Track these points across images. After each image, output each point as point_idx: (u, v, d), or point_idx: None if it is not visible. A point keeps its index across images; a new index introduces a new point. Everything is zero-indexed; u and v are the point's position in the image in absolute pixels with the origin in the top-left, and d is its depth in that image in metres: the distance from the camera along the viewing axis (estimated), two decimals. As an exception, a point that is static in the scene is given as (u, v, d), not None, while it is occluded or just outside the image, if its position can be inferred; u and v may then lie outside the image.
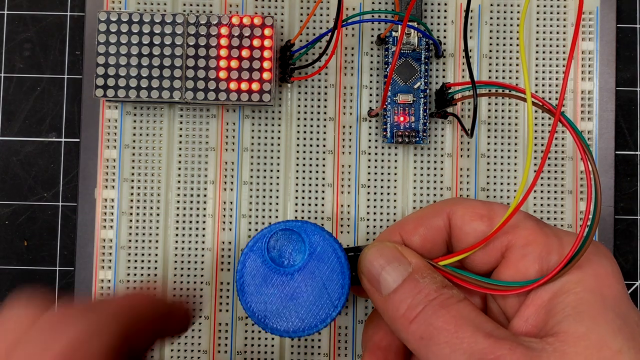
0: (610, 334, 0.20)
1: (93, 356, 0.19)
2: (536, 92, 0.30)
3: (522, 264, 0.22)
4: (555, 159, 0.30)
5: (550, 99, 0.30)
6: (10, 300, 0.20)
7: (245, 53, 0.28)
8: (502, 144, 0.30)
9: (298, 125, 0.30)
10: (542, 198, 0.30)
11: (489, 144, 0.30)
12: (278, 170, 0.30)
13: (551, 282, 0.21)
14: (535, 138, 0.30)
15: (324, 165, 0.30)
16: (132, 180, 0.30)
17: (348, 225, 0.30)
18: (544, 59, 0.31)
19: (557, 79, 0.30)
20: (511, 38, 0.31)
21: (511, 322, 0.22)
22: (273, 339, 0.30)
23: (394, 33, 0.30)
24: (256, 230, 0.30)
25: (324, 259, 0.24)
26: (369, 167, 0.30)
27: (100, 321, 0.20)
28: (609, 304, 0.21)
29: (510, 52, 0.31)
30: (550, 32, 0.31)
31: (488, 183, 0.30)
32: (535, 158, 0.30)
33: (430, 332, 0.21)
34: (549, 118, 0.30)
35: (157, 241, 0.30)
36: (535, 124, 0.30)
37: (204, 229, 0.30)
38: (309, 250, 0.24)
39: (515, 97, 0.25)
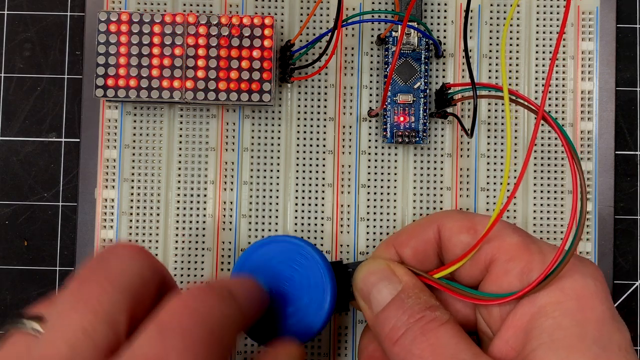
0: None
1: (230, 344, 0.19)
2: (535, 92, 0.30)
3: (504, 279, 0.22)
4: (555, 159, 0.30)
5: (549, 99, 0.30)
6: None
7: (245, 53, 0.28)
8: (502, 144, 0.30)
9: (298, 125, 0.30)
10: (542, 198, 0.30)
11: (488, 144, 0.30)
12: (278, 170, 0.30)
13: (529, 298, 0.21)
14: (542, 139, 0.30)
15: (324, 165, 0.30)
16: (132, 180, 0.30)
17: (348, 225, 0.30)
18: (543, 59, 0.31)
19: (556, 79, 0.30)
20: (511, 38, 0.31)
21: (492, 342, 0.22)
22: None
23: (394, 33, 0.30)
24: (256, 230, 0.30)
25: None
26: (369, 167, 0.30)
27: (238, 309, 0.20)
28: (589, 330, 0.20)
29: (510, 52, 0.31)
30: (550, 33, 0.31)
31: (488, 183, 0.30)
32: (535, 158, 0.30)
33: (409, 358, 0.21)
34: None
35: (157, 241, 0.30)
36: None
37: (204, 228, 0.30)
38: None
39: (514, 101, 0.25)
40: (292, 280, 0.25)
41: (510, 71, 0.30)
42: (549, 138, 0.30)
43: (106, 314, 0.18)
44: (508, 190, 0.29)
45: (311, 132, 0.30)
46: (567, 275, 0.21)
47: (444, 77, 0.30)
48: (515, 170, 0.30)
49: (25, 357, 0.18)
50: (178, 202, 0.30)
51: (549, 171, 0.30)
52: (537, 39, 0.31)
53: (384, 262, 0.24)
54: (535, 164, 0.30)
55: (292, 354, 0.23)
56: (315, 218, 0.30)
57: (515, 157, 0.30)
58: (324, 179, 0.30)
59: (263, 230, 0.30)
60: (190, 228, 0.30)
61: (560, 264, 0.21)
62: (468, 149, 0.30)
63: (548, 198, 0.30)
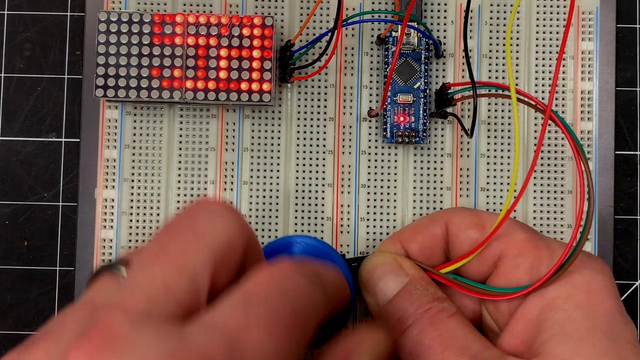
0: (595, 357, 0.20)
1: (310, 331, 0.18)
2: (535, 92, 0.30)
3: (512, 275, 0.22)
4: (555, 159, 0.30)
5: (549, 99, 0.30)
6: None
7: (245, 53, 0.28)
8: (502, 144, 0.30)
9: (298, 125, 0.30)
10: (542, 198, 0.30)
11: (488, 144, 0.30)
12: (278, 170, 0.30)
13: (539, 291, 0.21)
14: (543, 139, 0.30)
15: (324, 165, 0.30)
16: (132, 180, 0.30)
17: (348, 225, 0.30)
18: (543, 59, 0.31)
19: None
20: (511, 38, 0.31)
21: (501, 336, 0.22)
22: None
23: (394, 33, 0.30)
24: (256, 230, 0.30)
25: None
26: (369, 167, 0.30)
27: (325, 297, 0.19)
28: (598, 323, 0.20)
29: (510, 52, 0.31)
30: (550, 32, 0.31)
31: (488, 183, 0.30)
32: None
33: (418, 349, 0.21)
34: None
35: (157, 241, 0.30)
36: (536, 124, 0.30)
37: (204, 229, 0.30)
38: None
39: (520, 100, 0.25)
40: None
41: (510, 71, 0.30)
42: (549, 138, 0.30)
43: (189, 270, 0.17)
44: (515, 190, 0.29)
45: (311, 132, 0.30)
46: (576, 270, 0.21)
47: (444, 77, 0.30)
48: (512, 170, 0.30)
49: (108, 299, 0.17)
50: (178, 202, 0.30)
51: (549, 171, 0.30)
52: (537, 39, 0.31)
53: (391, 256, 0.24)
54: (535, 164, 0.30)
55: (378, 341, 0.21)
56: (315, 218, 0.30)
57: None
58: (324, 179, 0.30)
59: (263, 230, 0.30)
60: (190, 228, 0.30)
61: (570, 258, 0.21)
62: (468, 149, 0.30)
63: (548, 198, 0.30)
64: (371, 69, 0.31)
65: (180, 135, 0.30)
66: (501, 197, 0.30)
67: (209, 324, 0.16)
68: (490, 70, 0.31)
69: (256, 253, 0.20)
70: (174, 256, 0.17)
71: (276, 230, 0.30)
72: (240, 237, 0.19)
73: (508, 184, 0.30)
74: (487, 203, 0.30)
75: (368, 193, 0.30)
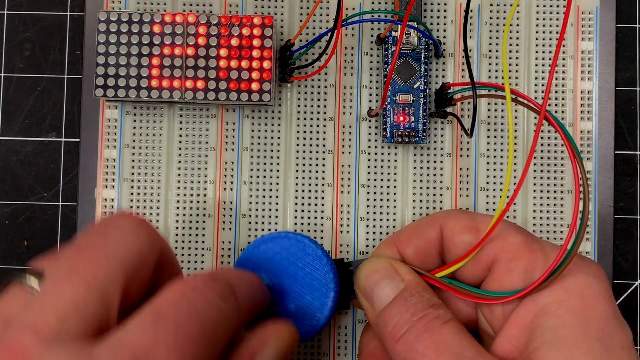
0: None
1: (221, 344, 0.19)
2: (535, 92, 0.30)
3: (507, 279, 0.22)
4: (555, 159, 0.30)
5: (549, 99, 0.30)
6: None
7: (245, 53, 0.28)
8: (502, 144, 0.30)
9: (298, 125, 0.30)
10: (542, 198, 0.30)
11: (488, 144, 0.30)
12: (278, 170, 0.30)
13: (533, 297, 0.21)
14: (542, 138, 0.30)
15: (324, 165, 0.30)
16: (132, 180, 0.30)
17: (348, 226, 0.30)
18: (543, 59, 0.31)
19: (556, 79, 0.30)
20: (511, 38, 0.31)
21: (496, 341, 0.22)
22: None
23: (394, 33, 0.30)
24: (256, 230, 0.30)
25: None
26: (369, 167, 0.30)
27: (237, 308, 0.20)
28: (592, 329, 0.20)
29: (510, 52, 0.31)
30: (550, 33, 0.31)
31: (488, 183, 0.30)
32: (535, 158, 0.30)
33: (412, 356, 0.21)
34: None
35: (157, 241, 0.30)
36: (535, 124, 0.30)
37: (204, 229, 0.30)
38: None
39: (515, 101, 0.25)
40: (296, 277, 0.25)
41: (510, 71, 0.30)
42: (549, 138, 0.30)
43: (99, 289, 0.17)
44: (510, 190, 0.29)
45: (311, 132, 0.30)
46: (570, 274, 0.21)
47: (444, 77, 0.30)
48: (515, 170, 0.30)
49: (18, 317, 0.17)
50: (178, 202, 0.30)
51: (549, 171, 0.30)
52: (537, 39, 0.31)
53: (387, 261, 0.24)
54: (535, 164, 0.30)
55: (283, 336, 0.22)
56: (315, 218, 0.30)
57: (516, 157, 0.30)
58: (324, 179, 0.30)
59: (263, 230, 0.30)
60: (191, 228, 0.30)
61: (564, 263, 0.21)
62: (468, 149, 0.30)
63: (548, 198, 0.30)
64: (371, 69, 0.31)
65: (180, 135, 0.30)
66: (501, 197, 0.30)
67: (119, 344, 0.17)
68: (490, 71, 0.31)
69: (171, 265, 0.21)
70: (84, 275, 0.18)
71: (276, 230, 0.30)
72: (152, 253, 0.19)
73: (514, 181, 0.30)
74: (487, 203, 0.30)
75: (368, 193, 0.30)
